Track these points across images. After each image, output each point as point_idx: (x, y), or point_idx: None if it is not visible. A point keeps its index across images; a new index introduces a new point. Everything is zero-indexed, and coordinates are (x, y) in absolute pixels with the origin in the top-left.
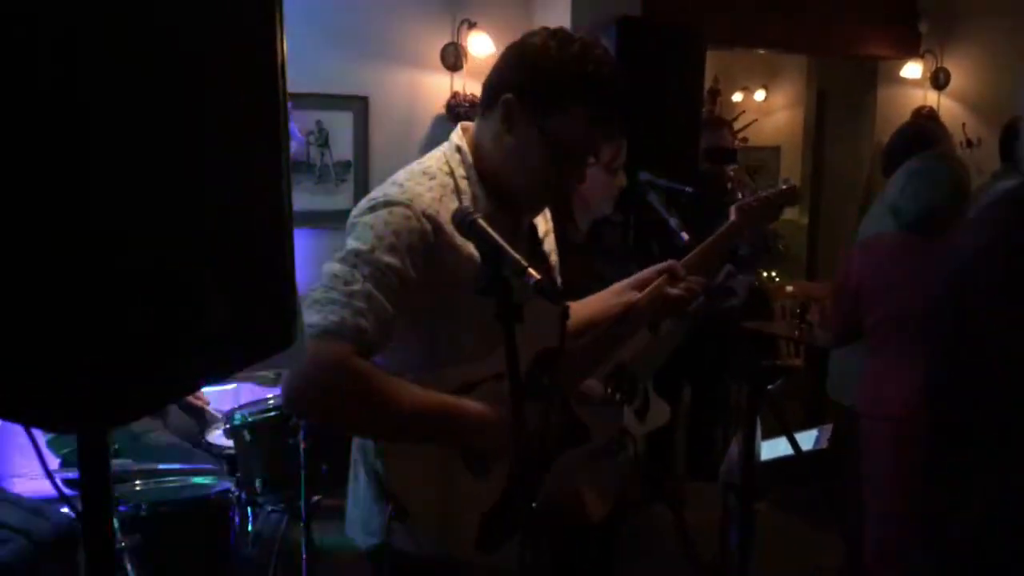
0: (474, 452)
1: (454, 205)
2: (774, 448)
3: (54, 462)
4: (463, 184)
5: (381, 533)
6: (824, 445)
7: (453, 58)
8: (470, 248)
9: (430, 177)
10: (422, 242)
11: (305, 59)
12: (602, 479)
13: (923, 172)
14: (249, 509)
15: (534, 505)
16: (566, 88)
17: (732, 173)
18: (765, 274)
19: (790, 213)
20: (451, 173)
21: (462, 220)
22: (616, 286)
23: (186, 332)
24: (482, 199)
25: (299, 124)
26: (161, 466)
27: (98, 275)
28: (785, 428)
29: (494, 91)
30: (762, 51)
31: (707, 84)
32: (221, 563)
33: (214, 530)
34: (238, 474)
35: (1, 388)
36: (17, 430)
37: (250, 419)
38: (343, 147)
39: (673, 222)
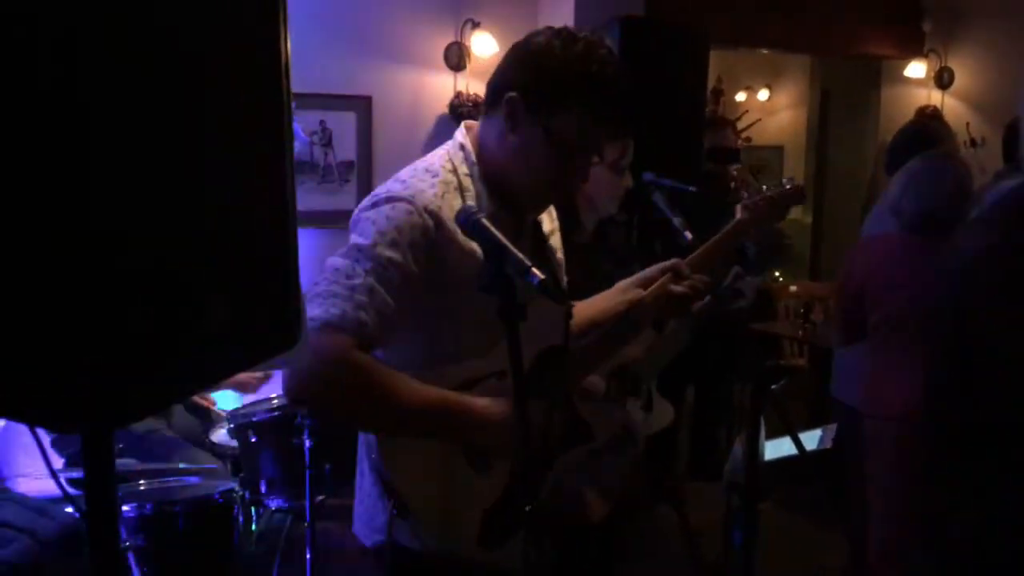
0: (476, 449)
1: (457, 202)
2: (778, 448)
3: (59, 462)
4: (466, 182)
5: (385, 530)
6: (828, 445)
7: (457, 58)
8: (472, 245)
9: (433, 174)
10: (424, 238)
11: (308, 59)
12: (604, 478)
13: (925, 172)
14: (253, 509)
15: (536, 503)
16: (570, 87)
17: (735, 173)
18: (767, 273)
19: (793, 212)
20: (454, 171)
21: (466, 219)
22: (621, 284)
23: (186, 332)
24: (485, 197)
25: (302, 124)
26: (165, 466)
27: (98, 275)
28: (789, 428)
29: (498, 90)
30: (765, 51)
31: (710, 84)
32: (225, 563)
33: (218, 530)
34: (242, 474)
35: (2, 387)
36: (22, 430)
37: (254, 419)
38: (347, 147)
39: (677, 222)
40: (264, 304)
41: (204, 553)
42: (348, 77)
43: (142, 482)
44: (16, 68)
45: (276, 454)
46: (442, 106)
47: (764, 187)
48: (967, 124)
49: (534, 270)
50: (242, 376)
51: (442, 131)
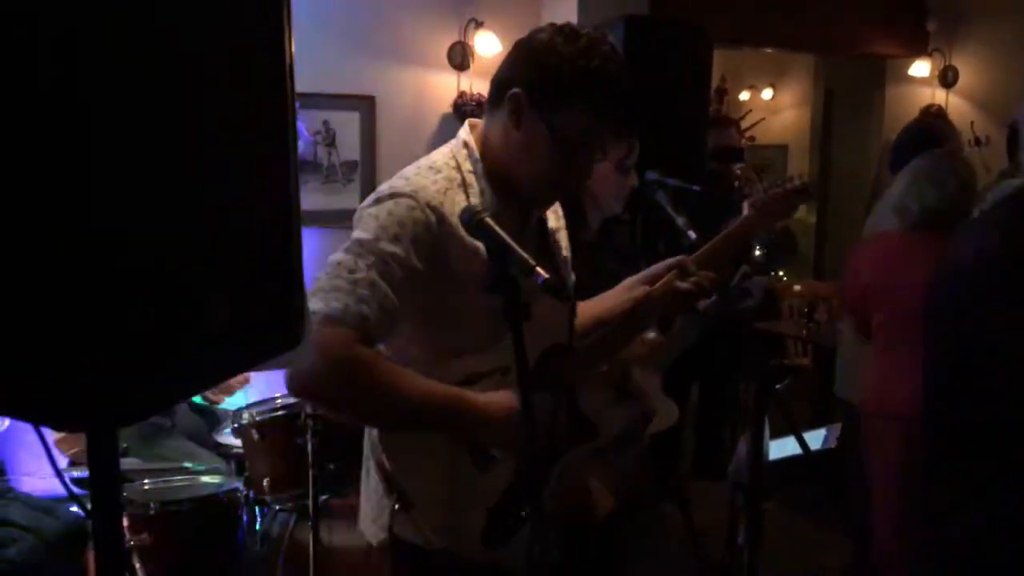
0: (478, 446)
1: (460, 198)
2: (782, 447)
3: (63, 461)
4: (470, 178)
5: (388, 526)
6: (832, 444)
7: (460, 57)
8: (476, 242)
9: (436, 171)
10: (426, 233)
11: (312, 59)
12: (608, 477)
13: (928, 171)
14: (257, 508)
15: (539, 502)
16: (572, 83)
17: (739, 172)
18: (772, 273)
19: (797, 212)
20: (458, 168)
21: (469, 218)
22: (627, 282)
23: (186, 332)
24: (489, 193)
25: (306, 124)
26: (170, 465)
27: (98, 275)
28: (793, 427)
29: (502, 86)
30: (769, 50)
31: (714, 83)
32: (229, 562)
33: (222, 529)
34: (246, 473)
35: (2, 387)
36: (26, 429)
37: (258, 418)
38: (350, 147)
39: (681, 221)
40: (267, 304)
41: (208, 552)
42: (352, 77)
43: (146, 481)
44: (16, 68)
45: (280, 453)
46: (446, 106)
47: (773, 184)
48: (971, 123)
49: (538, 269)
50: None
51: (446, 131)
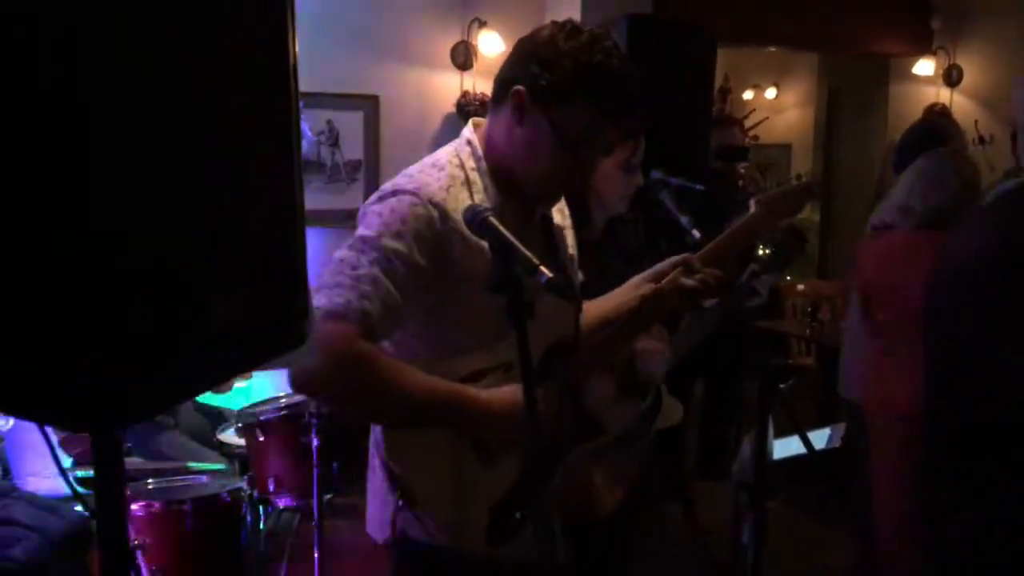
0: (481, 442)
1: (463, 195)
2: (786, 447)
3: (67, 461)
4: (473, 176)
5: (393, 522)
6: (836, 444)
7: (463, 57)
8: (479, 238)
9: (439, 169)
10: (429, 229)
11: (315, 59)
12: (612, 474)
13: (932, 171)
14: (261, 508)
15: (543, 500)
16: (574, 79)
17: (743, 171)
18: (782, 272)
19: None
20: (461, 165)
21: (473, 218)
22: (633, 280)
23: (186, 332)
24: (492, 191)
25: (309, 123)
26: (173, 464)
27: (98, 275)
28: (797, 427)
29: (504, 83)
30: (773, 49)
31: (718, 82)
32: (233, 561)
33: (226, 529)
34: (250, 472)
35: (3, 386)
36: (31, 429)
37: (262, 418)
38: (354, 146)
39: (684, 220)
40: (270, 303)
41: (212, 552)
42: (355, 77)
43: (150, 481)
44: (16, 68)
45: (284, 453)
46: (449, 105)
47: (778, 183)
48: (975, 122)
49: (542, 268)
50: None
51: (449, 130)
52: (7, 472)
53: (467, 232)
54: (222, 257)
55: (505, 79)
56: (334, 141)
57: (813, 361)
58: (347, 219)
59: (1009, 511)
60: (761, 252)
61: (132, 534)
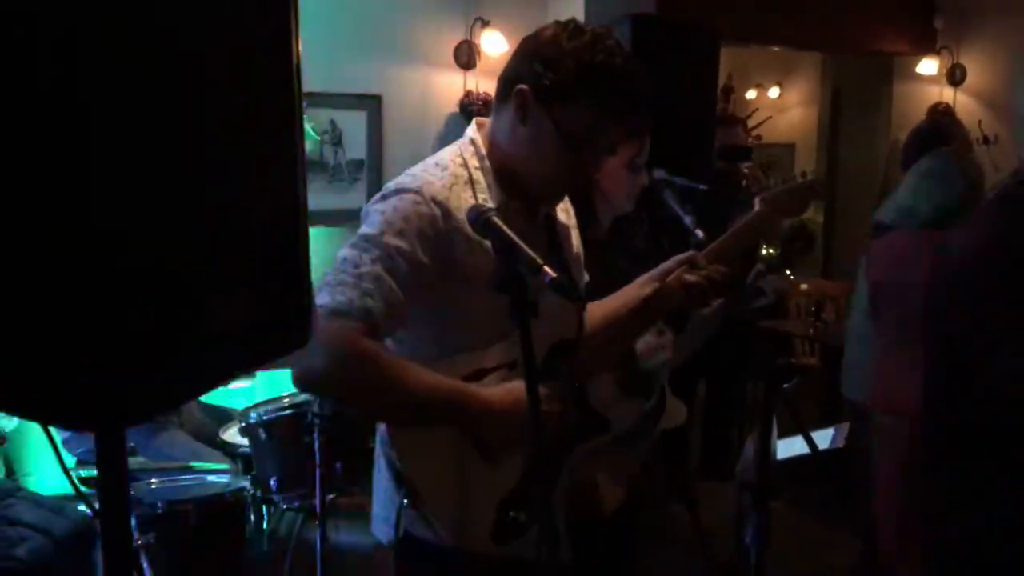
0: (483, 440)
1: (466, 194)
2: (790, 447)
3: (70, 461)
4: (476, 175)
5: (397, 521)
6: (840, 444)
7: (466, 56)
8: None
9: (442, 168)
10: (432, 227)
11: (318, 58)
12: (615, 472)
13: (934, 171)
14: (264, 507)
15: (548, 499)
16: (576, 78)
17: (747, 171)
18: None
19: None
20: (464, 164)
21: (476, 217)
22: (638, 280)
23: (186, 332)
24: (496, 190)
25: (313, 123)
26: (177, 464)
27: (98, 275)
28: (801, 427)
29: (508, 83)
30: (776, 48)
31: (721, 81)
32: (237, 561)
33: (229, 528)
34: (253, 472)
35: (3, 386)
36: (35, 428)
37: (265, 417)
38: (356, 146)
39: (688, 220)
40: (273, 303)
41: (215, 551)
42: (358, 76)
43: (154, 480)
44: (16, 68)
45: (287, 453)
46: (452, 105)
47: (782, 181)
48: (979, 121)
49: (546, 268)
50: None
51: (452, 130)
52: (11, 471)
53: (470, 231)
54: (222, 257)
55: (508, 79)
56: (337, 141)
57: (817, 361)
58: (350, 219)
59: (1009, 511)
60: (765, 252)
61: (136, 534)
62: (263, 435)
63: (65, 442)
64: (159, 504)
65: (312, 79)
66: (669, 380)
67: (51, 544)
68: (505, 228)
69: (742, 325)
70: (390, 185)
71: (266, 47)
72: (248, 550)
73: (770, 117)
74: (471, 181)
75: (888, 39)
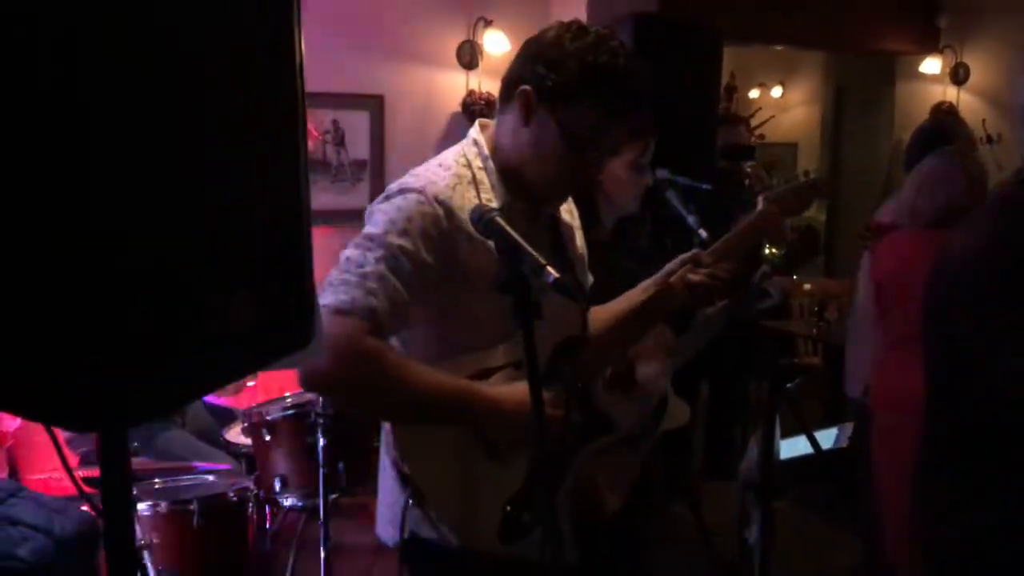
0: (489, 440)
1: (470, 194)
2: (793, 447)
3: (73, 460)
4: (480, 175)
5: (402, 521)
6: (844, 443)
7: (469, 56)
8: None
9: (445, 168)
10: (435, 227)
11: (321, 58)
12: (616, 473)
13: (936, 171)
14: (267, 507)
15: (552, 500)
16: (580, 79)
17: (750, 170)
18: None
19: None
20: (468, 165)
21: (479, 218)
22: (643, 284)
23: (187, 333)
24: (499, 190)
25: (315, 123)
26: (180, 464)
27: (98, 275)
28: (804, 426)
29: (511, 84)
30: (779, 47)
31: (723, 80)
32: (240, 561)
33: (233, 528)
34: (256, 472)
35: (3, 386)
36: (37, 428)
37: (268, 417)
38: (359, 146)
39: (691, 220)
40: (274, 304)
41: (218, 551)
42: (360, 76)
43: (157, 480)
44: (16, 68)
45: (290, 452)
46: (454, 104)
47: (785, 180)
48: (983, 120)
49: (549, 268)
50: None
51: (454, 130)
52: (14, 472)
53: (473, 231)
54: (223, 257)
55: (512, 80)
56: (339, 141)
57: (820, 360)
58: (352, 219)
59: (1009, 511)
60: (768, 251)
61: (138, 534)
62: (266, 435)
63: (69, 442)
64: (162, 504)
65: (315, 79)
66: (672, 380)
67: (53, 544)
68: (508, 228)
69: (746, 327)
70: (393, 185)
71: (268, 47)
72: (251, 550)
73: (773, 116)
74: (475, 181)
75: (891, 38)
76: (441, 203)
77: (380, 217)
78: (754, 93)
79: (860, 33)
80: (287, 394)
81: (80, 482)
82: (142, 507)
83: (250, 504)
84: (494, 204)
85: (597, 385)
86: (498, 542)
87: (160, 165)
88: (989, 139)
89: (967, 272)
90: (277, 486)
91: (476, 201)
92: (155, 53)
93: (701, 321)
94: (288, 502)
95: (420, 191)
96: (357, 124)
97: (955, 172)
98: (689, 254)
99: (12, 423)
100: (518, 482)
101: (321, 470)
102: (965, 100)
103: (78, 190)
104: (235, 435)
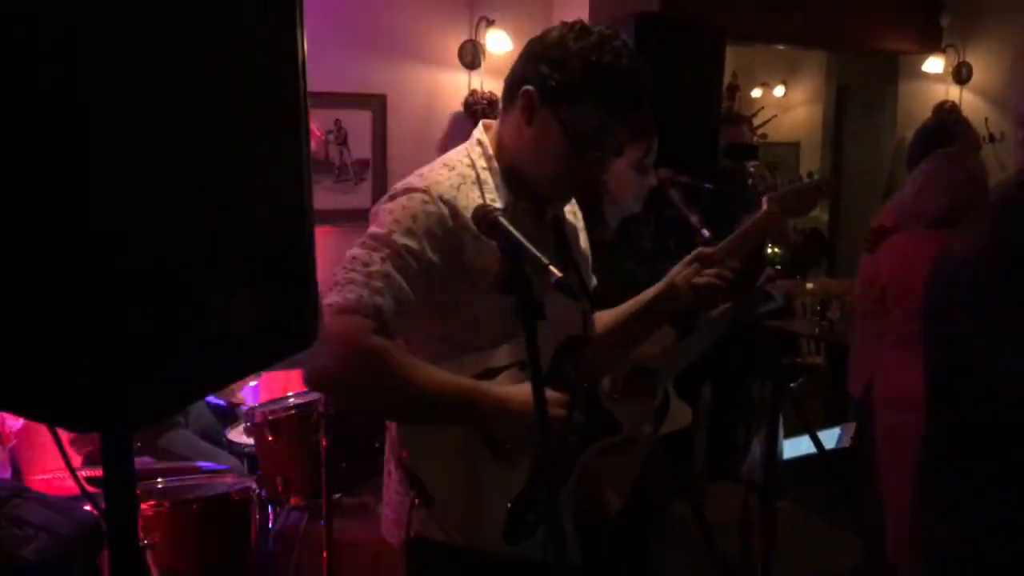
0: (495, 440)
1: (474, 194)
2: (796, 447)
3: (76, 460)
4: (484, 175)
5: (408, 521)
6: (847, 443)
7: (471, 56)
8: None
9: (450, 168)
10: (440, 226)
11: (323, 58)
12: (618, 472)
13: (937, 172)
14: (270, 507)
15: (555, 500)
16: (583, 79)
17: (752, 169)
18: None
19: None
20: (472, 165)
21: (482, 218)
22: (649, 291)
23: (187, 333)
24: (504, 190)
25: (317, 123)
26: (183, 464)
27: (98, 275)
28: (807, 426)
29: (514, 84)
30: (781, 46)
31: (726, 80)
32: (243, 560)
33: (236, 528)
34: (259, 472)
35: (4, 386)
36: (40, 428)
37: (271, 417)
38: (362, 145)
39: (694, 219)
40: (275, 304)
41: (221, 551)
42: (363, 76)
43: (160, 480)
44: (16, 68)
45: (293, 452)
46: (457, 104)
47: (789, 181)
48: (985, 119)
49: (551, 268)
50: None
51: (457, 129)
52: (17, 472)
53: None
54: (223, 257)
55: (515, 80)
56: (342, 140)
57: (823, 360)
58: (355, 218)
59: (1010, 511)
60: (771, 251)
61: (141, 534)
62: (269, 435)
63: (72, 442)
64: (165, 504)
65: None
66: (674, 382)
67: (57, 544)
68: (510, 228)
69: (749, 328)
70: (398, 185)
71: (269, 47)
72: (254, 550)
73: (775, 116)
74: (479, 181)
75: (893, 37)
76: (446, 202)
77: (386, 217)
78: (756, 92)
79: (862, 32)
80: (290, 394)
81: (83, 482)
82: (145, 507)
83: (253, 504)
84: (498, 204)
85: (602, 385)
86: (503, 542)
87: (160, 165)
88: (992, 138)
89: (967, 272)
90: (280, 486)
91: (480, 201)
92: (155, 53)
93: (705, 324)
94: (291, 502)
95: (425, 191)
96: (360, 124)
97: (956, 173)
98: (693, 254)
99: (15, 423)
100: (523, 482)
101: (323, 469)
102: (968, 99)
103: (78, 190)
104: (238, 435)
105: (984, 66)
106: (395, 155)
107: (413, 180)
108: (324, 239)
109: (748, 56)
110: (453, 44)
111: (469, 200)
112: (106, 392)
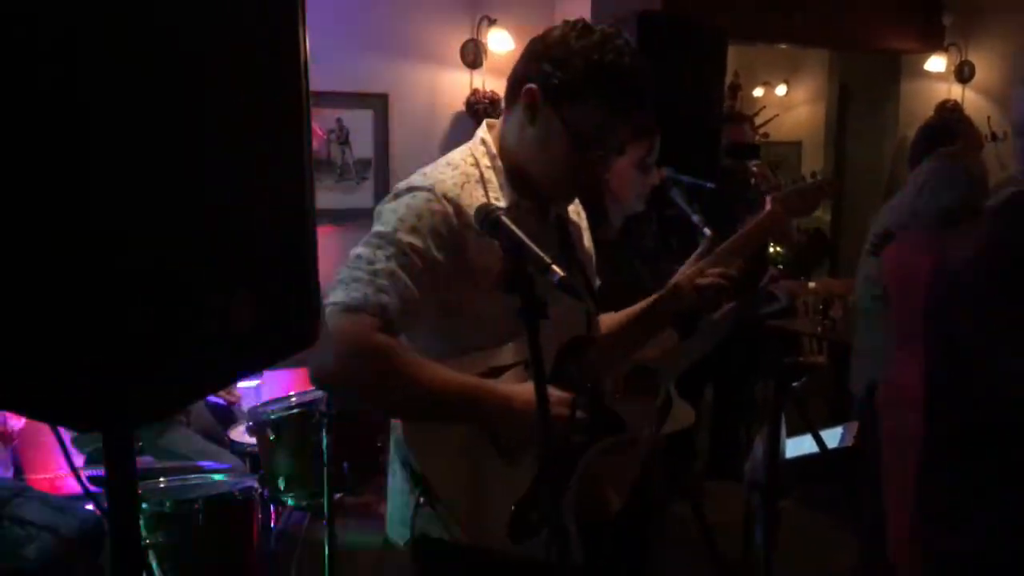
0: (500, 439)
1: (478, 192)
2: (799, 446)
3: (79, 459)
4: (488, 174)
5: (413, 520)
6: (849, 442)
7: (473, 55)
8: None
9: (453, 167)
10: (445, 224)
11: (325, 57)
12: (620, 471)
13: (937, 172)
14: (272, 506)
15: (558, 500)
16: (585, 77)
17: (754, 169)
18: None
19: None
20: (476, 164)
21: (485, 218)
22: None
23: (187, 333)
24: (507, 189)
25: (319, 122)
26: (184, 463)
27: (98, 275)
28: (809, 426)
29: (517, 83)
30: (783, 45)
31: (728, 79)
32: (244, 560)
33: (237, 528)
34: (261, 471)
35: (4, 385)
36: (42, 428)
37: (273, 417)
38: (363, 145)
39: (696, 218)
40: (276, 304)
41: (223, 551)
42: (365, 75)
43: (161, 479)
44: (16, 68)
45: (295, 452)
46: (459, 103)
47: (792, 181)
48: (988, 118)
49: (554, 267)
50: None
51: (459, 128)
52: (19, 471)
53: None
54: (223, 257)
55: (517, 78)
56: (344, 140)
57: (825, 359)
58: (357, 218)
59: (1010, 511)
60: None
61: (143, 533)
62: (271, 434)
63: (74, 440)
64: (167, 503)
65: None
66: (677, 383)
67: (59, 544)
68: (513, 227)
69: (752, 329)
70: (402, 184)
71: (270, 46)
72: (256, 549)
73: (777, 115)
74: (483, 180)
75: (896, 36)
76: (450, 201)
77: (390, 215)
78: (758, 91)
79: (864, 31)
80: (291, 393)
81: (85, 481)
82: (147, 506)
83: (255, 503)
84: (502, 203)
85: (607, 384)
86: (508, 541)
87: (160, 165)
88: (994, 137)
89: (967, 272)
90: (282, 485)
91: (484, 200)
92: (155, 53)
93: (708, 324)
94: (293, 501)
95: (429, 189)
96: (361, 123)
97: (957, 173)
98: (702, 248)
99: (17, 423)
100: (528, 481)
101: (326, 469)
102: (970, 98)
103: (78, 190)
104: (239, 434)
105: (986, 65)
106: (397, 154)
107: (417, 179)
108: (326, 239)
109: (750, 55)
110: (455, 43)
111: (473, 199)
112: (107, 391)
